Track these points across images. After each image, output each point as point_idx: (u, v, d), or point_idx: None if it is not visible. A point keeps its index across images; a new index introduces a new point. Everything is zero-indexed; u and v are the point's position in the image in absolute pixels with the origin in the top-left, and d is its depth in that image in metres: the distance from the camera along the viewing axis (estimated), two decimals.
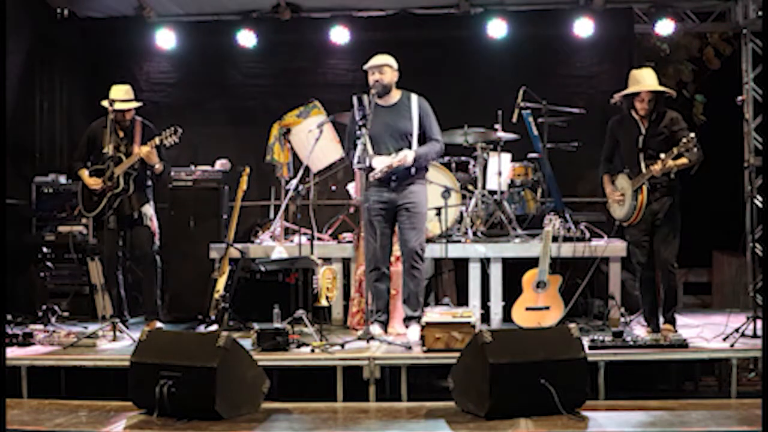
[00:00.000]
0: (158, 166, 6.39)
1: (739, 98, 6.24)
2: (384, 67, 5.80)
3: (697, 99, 10.96)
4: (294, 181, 6.32)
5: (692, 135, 5.44)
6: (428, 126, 5.87)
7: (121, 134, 6.41)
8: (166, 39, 8.43)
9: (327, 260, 6.55)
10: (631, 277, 7.13)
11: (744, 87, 8.03)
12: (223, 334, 4.62)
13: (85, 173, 6.46)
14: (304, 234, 6.36)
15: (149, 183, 6.57)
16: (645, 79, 5.77)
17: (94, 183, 6.37)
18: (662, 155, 5.53)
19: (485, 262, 6.55)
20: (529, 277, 6.16)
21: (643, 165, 5.69)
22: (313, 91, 7.94)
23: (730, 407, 4.84)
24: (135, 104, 6.47)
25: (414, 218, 5.83)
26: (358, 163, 5.59)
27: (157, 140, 6.26)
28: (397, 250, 6.10)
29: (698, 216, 6.26)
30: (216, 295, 6.44)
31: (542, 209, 7.32)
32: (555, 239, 6.34)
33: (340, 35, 8.32)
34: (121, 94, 6.38)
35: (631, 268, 6.94)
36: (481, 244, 6.62)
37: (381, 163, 5.70)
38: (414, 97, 5.90)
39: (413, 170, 5.79)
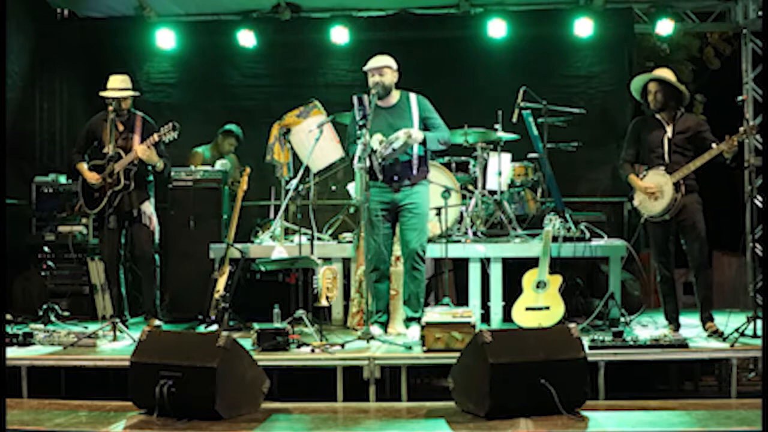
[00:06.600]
0: (159, 164, 6.38)
1: (739, 98, 6.23)
2: (384, 69, 5.79)
3: (697, 99, 10.96)
4: (294, 181, 6.32)
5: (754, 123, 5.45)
6: (431, 121, 5.87)
7: (121, 128, 6.35)
8: (166, 39, 8.44)
9: (327, 260, 6.55)
10: (631, 277, 7.13)
11: (744, 87, 8.04)
12: (223, 334, 4.61)
13: (83, 167, 6.44)
14: (304, 234, 6.36)
15: (150, 178, 6.53)
16: (653, 73, 5.83)
17: (94, 178, 6.36)
18: (713, 145, 5.56)
19: (485, 262, 6.55)
20: (529, 277, 6.16)
21: (668, 162, 5.71)
22: (313, 91, 7.95)
23: (730, 407, 4.83)
24: (131, 93, 6.43)
25: (415, 219, 5.82)
26: (359, 162, 5.59)
27: (156, 137, 6.24)
28: (397, 250, 6.10)
29: None
30: (216, 295, 6.45)
31: (542, 209, 7.32)
32: (555, 239, 6.34)
33: (340, 35, 8.33)
34: (117, 83, 6.36)
35: (632, 269, 6.95)
36: (481, 244, 6.62)
37: (385, 143, 5.67)
38: (413, 96, 5.90)
39: (415, 170, 5.78)
